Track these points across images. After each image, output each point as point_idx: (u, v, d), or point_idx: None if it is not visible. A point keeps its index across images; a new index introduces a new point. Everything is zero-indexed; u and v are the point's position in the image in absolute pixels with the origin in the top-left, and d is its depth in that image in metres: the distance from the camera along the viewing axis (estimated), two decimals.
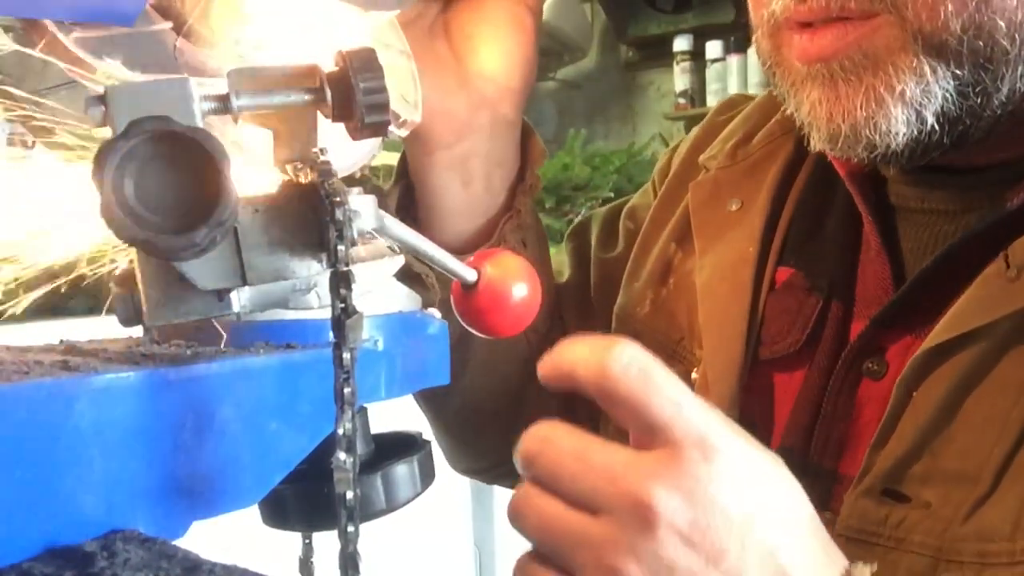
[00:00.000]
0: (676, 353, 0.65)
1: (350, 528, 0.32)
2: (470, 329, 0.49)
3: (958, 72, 0.49)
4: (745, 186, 0.66)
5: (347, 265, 0.34)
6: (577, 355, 0.41)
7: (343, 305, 0.34)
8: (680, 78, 3.00)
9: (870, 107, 0.50)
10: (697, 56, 2.98)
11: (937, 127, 0.50)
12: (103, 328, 0.43)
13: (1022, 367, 0.49)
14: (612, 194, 2.41)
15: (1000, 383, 0.49)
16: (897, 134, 0.50)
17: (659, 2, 2.96)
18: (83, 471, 0.29)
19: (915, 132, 0.50)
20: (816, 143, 0.54)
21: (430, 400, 0.74)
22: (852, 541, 0.52)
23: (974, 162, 0.56)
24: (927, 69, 0.49)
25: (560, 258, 0.81)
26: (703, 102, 2.97)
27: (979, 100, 0.50)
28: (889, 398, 0.54)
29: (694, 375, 0.63)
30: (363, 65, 0.38)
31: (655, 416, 0.39)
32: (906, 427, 0.51)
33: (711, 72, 2.95)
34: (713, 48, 2.92)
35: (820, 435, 0.57)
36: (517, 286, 0.47)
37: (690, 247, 0.68)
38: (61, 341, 0.40)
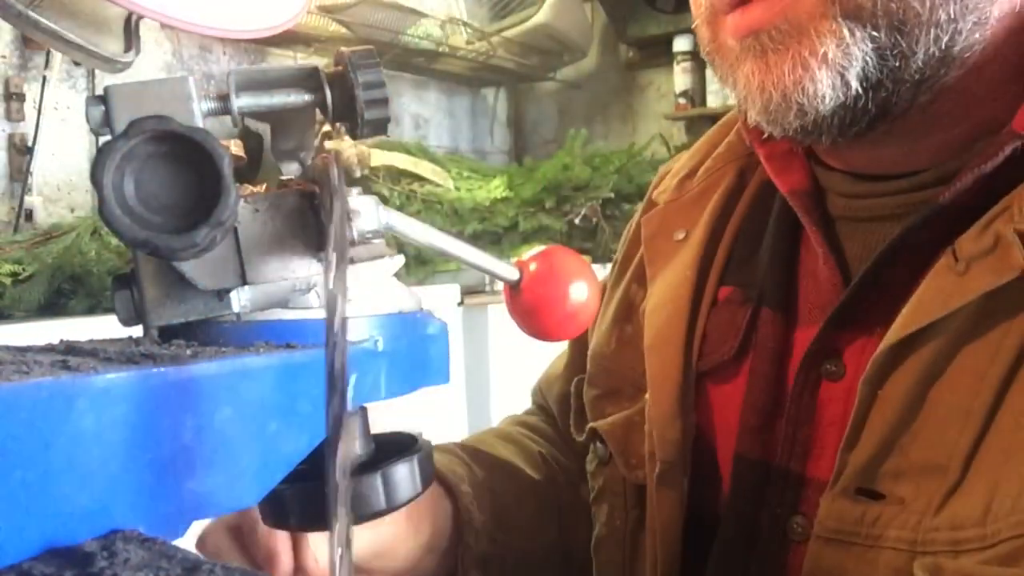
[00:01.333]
0: (643, 385, 0.67)
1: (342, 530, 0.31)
2: (523, 330, 0.48)
3: (875, 34, 0.52)
4: (689, 216, 0.70)
5: (345, 264, 0.34)
6: None
7: (339, 304, 0.33)
8: (680, 78, 3.00)
9: (797, 72, 0.53)
10: (697, 56, 2.97)
11: (861, 91, 0.53)
12: (103, 328, 0.43)
13: (978, 357, 0.50)
14: (612, 194, 2.41)
15: (960, 374, 0.51)
16: (824, 97, 0.53)
17: (659, 2, 2.97)
18: (83, 471, 0.29)
19: (840, 97, 0.53)
20: (752, 116, 0.57)
21: None
22: (831, 542, 0.53)
23: (910, 167, 0.58)
24: (846, 32, 0.52)
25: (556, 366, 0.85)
26: (703, 102, 2.97)
27: (898, 63, 0.52)
28: (848, 399, 0.55)
29: (647, 397, 0.66)
30: (362, 62, 0.38)
31: None
32: (874, 425, 0.52)
33: (711, 72, 2.94)
34: None
35: (785, 439, 0.58)
36: (566, 284, 0.45)
37: (645, 283, 0.71)
38: (61, 341, 0.40)
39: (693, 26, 0.62)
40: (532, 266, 0.46)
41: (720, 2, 0.57)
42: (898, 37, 0.52)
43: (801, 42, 0.53)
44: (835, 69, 0.52)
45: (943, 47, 0.52)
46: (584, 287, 0.46)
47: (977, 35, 0.53)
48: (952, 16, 0.51)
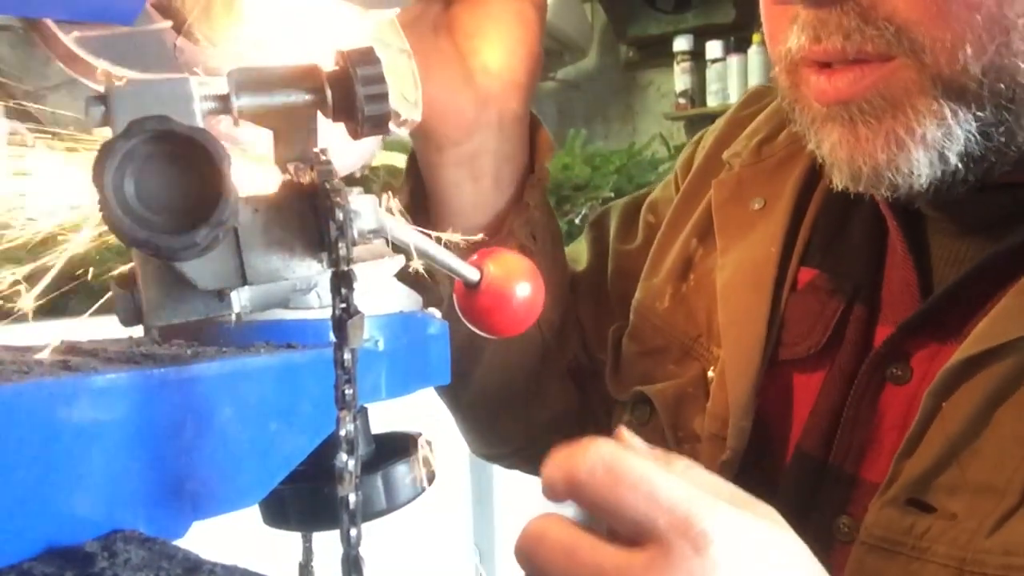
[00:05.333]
0: (692, 350, 0.65)
1: (352, 531, 0.32)
2: (472, 328, 0.49)
3: (980, 114, 0.48)
4: (769, 185, 0.66)
5: (348, 265, 0.34)
6: (550, 469, 0.41)
7: (344, 305, 0.33)
8: (680, 78, 3.01)
9: (890, 150, 0.49)
10: (697, 56, 2.98)
11: (961, 166, 0.49)
12: (103, 328, 0.43)
13: None
14: (612, 194, 2.41)
15: None
16: (920, 176, 0.49)
17: (659, 2, 2.97)
18: (83, 471, 0.29)
19: (938, 172, 0.49)
20: (839, 181, 0.53)
21: (446, 390, 0.75)
22: (875, 550, 0.52)
23: (1010, 179, 0.55)
24: (947, 112, 0.48)
25: (579, 247, 0.81)
26: (703, 102, 2.97)
27: (1003, 139, 0.49)
28: (911, 405, 0.54)
29: (710, 373, 0.63)
30: (362, 58, 0.38)
31: (632, 515, 0.38)
32: (934, 438, 0.51)
33: (711, 72, 2.95)
34: (713, 48, 2.93)
35: (842, 439, 0.57)
36: (520, 285, 0.46)
37: (712, 244, 0.67)
38: (61, 341, 0.40)
39: (772, 74, 0.57)
40: (490, 267, 0.47)
41: (802, 56, 0.52)
42: (1005, 114, 0.48)
43: (896, 118, 0.49)
44: (934, 149, 0.48)
45: None
46: (534, 287, 0.47)
47: None
48: None
